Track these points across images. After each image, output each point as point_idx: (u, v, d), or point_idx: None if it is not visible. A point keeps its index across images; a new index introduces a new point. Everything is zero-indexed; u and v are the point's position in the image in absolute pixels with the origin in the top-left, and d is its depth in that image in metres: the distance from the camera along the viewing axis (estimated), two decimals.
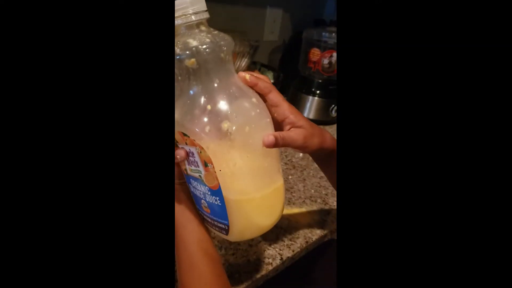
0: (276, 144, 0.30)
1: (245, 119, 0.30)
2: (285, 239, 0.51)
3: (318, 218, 0.57)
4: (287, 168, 0.72)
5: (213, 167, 0.29)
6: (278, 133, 0.31)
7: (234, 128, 0.29)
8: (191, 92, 0.29)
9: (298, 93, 1.00)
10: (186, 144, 0.30)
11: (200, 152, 0.29)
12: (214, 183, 0.30)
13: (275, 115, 0.34)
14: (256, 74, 0.34)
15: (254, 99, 0.31)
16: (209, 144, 0.29)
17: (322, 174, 0.69)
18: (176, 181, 0.35)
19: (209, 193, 0.31)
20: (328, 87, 0.97)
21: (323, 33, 0.92)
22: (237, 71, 0.33)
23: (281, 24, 1.10)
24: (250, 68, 0.89)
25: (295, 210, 0.59)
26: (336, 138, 0.38)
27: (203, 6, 0.29)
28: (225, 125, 0.28)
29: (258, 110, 0.31)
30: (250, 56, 0.85)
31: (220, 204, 0.31)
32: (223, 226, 0.33)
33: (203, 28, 0.29)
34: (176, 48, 0.28)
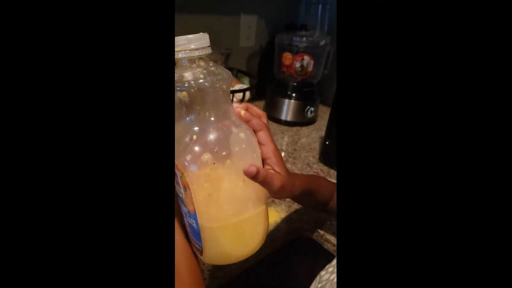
0: (255, 177, 0.30)
1: (227, 153, 0.30)
2: None
3: (285, 217, 0.60)
4: None
5: (191, 192, 0.31)
6: (263, 169, 0.31)
7: (214, 161, 0.30)
8: (184, 120, 0.31)
9: (274, 96, 1.03)
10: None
11: (181, 176, 0.31)
12: (191, 207, 0.32)
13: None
14: (254, 110, 0.35)
15: (242, 134, 0.32)
16: (188, 172, 0.30)
17: None
18: None
19: (188, 214, 0.33)
20: (302, 90, 1.00)
21: (294, 38, 0.95)
22: None
23: (257, 30, 1.13)
24: None
25: None
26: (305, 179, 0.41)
27: (205, 42, 0.30)
28: (205, 157, 0.30)
29: (243, 146, 0.31)
30: (223, 63, 0.88)
31: (196, 227, 0.33)
32: (198, 247, 0.34)
33: (201, 63, 0.31)
34: None
